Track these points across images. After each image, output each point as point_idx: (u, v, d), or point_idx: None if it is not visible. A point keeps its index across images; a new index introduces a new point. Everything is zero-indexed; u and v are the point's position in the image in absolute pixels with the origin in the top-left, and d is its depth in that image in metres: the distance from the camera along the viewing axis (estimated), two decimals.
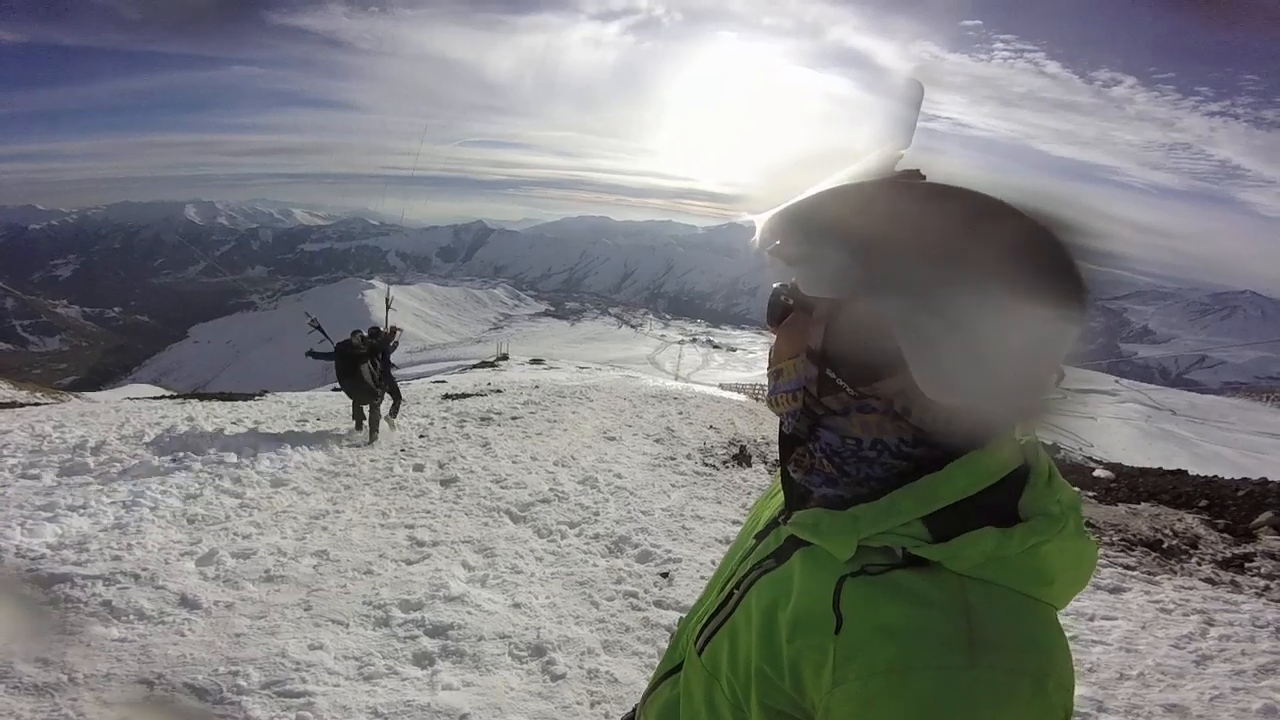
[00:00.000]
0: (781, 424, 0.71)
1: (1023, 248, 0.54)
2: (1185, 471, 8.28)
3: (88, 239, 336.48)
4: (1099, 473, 7.98)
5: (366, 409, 7.24)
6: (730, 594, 0.73)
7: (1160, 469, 8.76)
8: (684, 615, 0.98)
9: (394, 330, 7.93)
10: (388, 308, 8.79)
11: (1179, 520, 5.59)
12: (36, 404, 12.10)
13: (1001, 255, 0.53)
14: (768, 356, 0.73)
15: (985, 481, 0.58)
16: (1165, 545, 5.03)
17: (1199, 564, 4.75)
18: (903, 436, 0.61)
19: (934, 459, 0.61)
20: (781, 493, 0.78)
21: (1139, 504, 6.23)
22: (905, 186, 0.60)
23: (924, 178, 0.60)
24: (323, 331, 7.76)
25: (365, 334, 7.52)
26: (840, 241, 0.61)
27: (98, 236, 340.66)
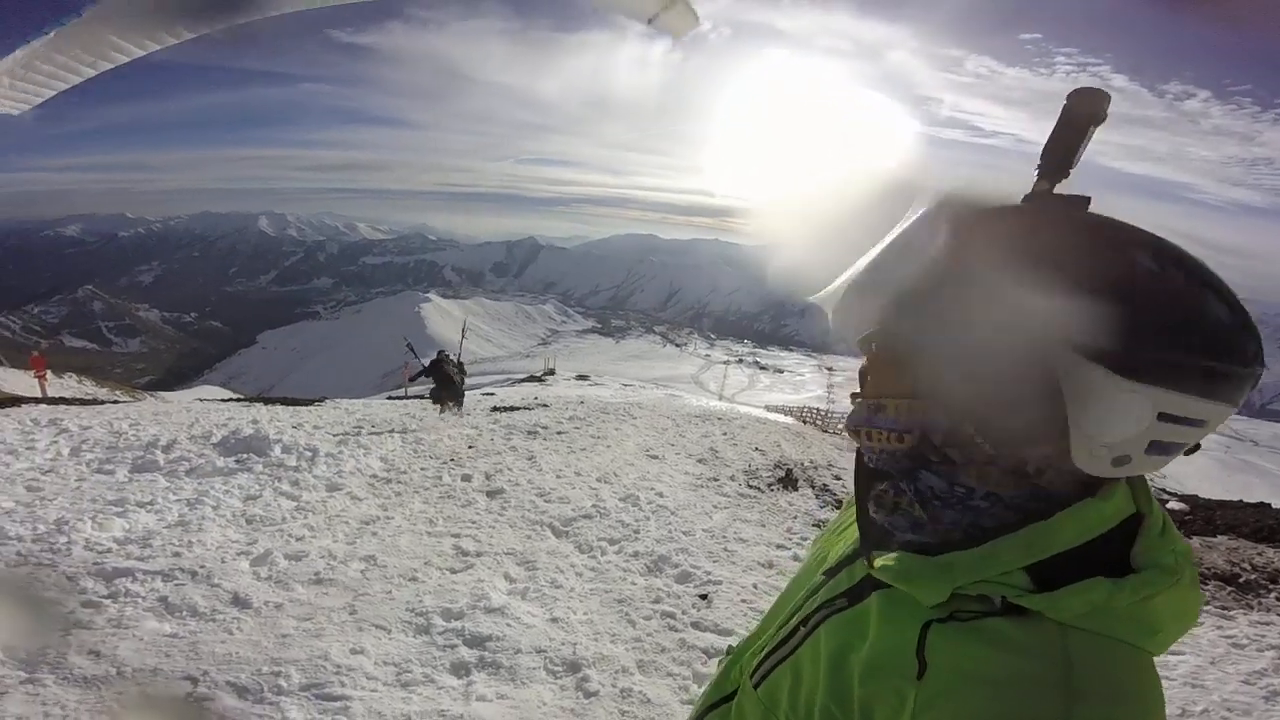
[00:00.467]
0: (864, 455, 0.68)
1: (1230, 329, 0.53)
2: (1268, 505, 7.74)
3: (170, 247, 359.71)
4: (1172, 505, 7.53)
5: (452, 404, 9.90)
6: (795, 629, 0.71)
7: (1240, 501, 8.21)
8: (734, 644, 0.96)
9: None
10: (463, 336, 11.56)
11: (1259, 554, 5.24)
12: (116, 402, 12.89)
13: (1215, 332, 0.52)
14: (859, 378, 0.68)
15: (1096, 532, 0.56)
16: (1242, 580, 4.73)
17: (1279, 599, 4.45)
18: (1020, 489, 0.59)
19: (1040, 511, 0.58)
20: (851, 527, 0.75)
21: (1215, 537, 5.85)
22: (1081, 221, 0.57)
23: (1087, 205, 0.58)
24: (414, 353, 10.79)
25: (452, 357, 10.17)
26: (975, 281, 0.54)
27: (179, 244, 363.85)
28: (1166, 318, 0.52)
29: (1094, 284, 0.51)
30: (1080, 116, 0.61)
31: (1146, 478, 0.62)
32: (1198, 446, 0.57)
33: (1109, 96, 0.61)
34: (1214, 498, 9.44)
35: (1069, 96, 0.61)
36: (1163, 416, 0.52)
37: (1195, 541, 5.66)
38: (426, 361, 9.86)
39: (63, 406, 9.54)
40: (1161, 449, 0.54)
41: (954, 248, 0.56)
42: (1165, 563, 0.55)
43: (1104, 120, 0.61)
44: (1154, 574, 0.54)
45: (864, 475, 0.69)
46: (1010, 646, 0.53)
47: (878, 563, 0.63)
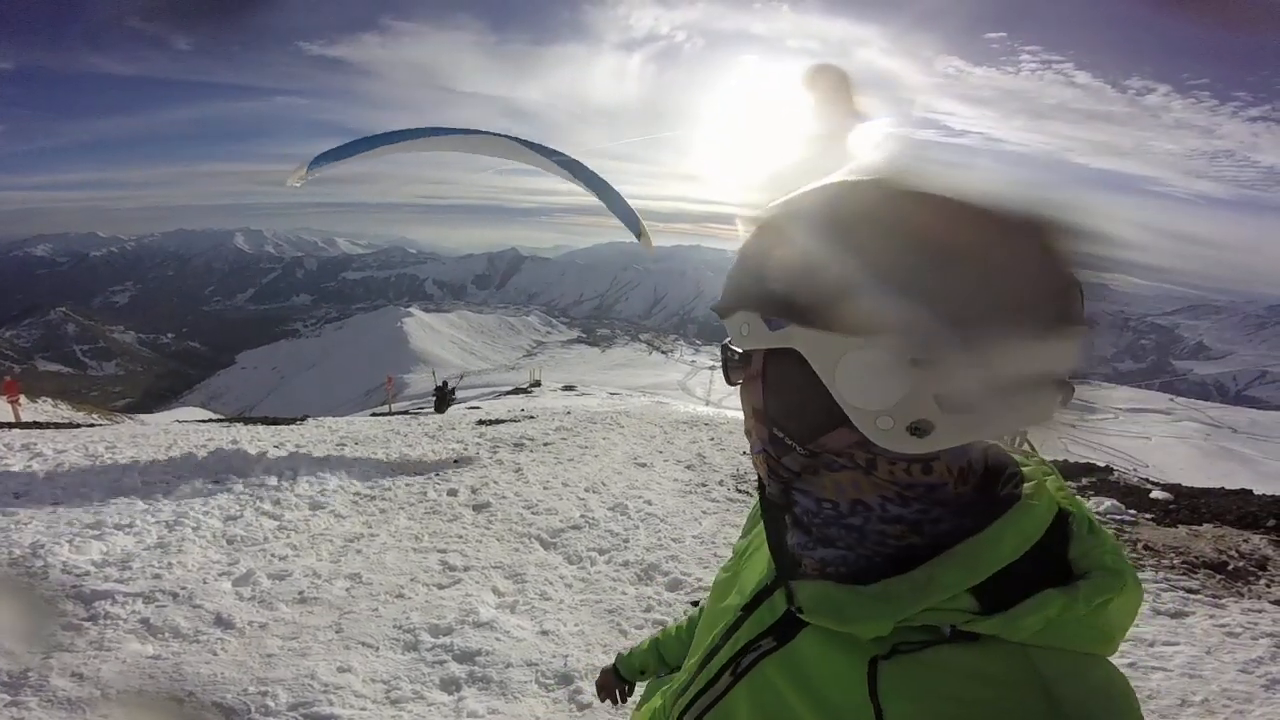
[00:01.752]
0: (766, 483, 0.65)
1: (952, 245, 0.48)
2: (1250, 491, 7.86)
3: (145, 266, 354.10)
4: (1156, 494, 7.62)
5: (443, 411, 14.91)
6: (719, 673, 0.66)
7: (1223, 488, 8.33)
8: (648, 682, 0.94)
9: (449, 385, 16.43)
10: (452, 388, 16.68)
11: (1245, 541, 5.30)
12: (93, 425, 12.63)
13: (920, 256, 0.48)
14: None
15: (1034, 539, 0.53)
16: (1231, 567, 4.77)
17: (1268, 585, 4.50)
18: (885, 494, 0.56)
19: (933, 518, 0.55)
20: (760, 550, 0.72)
21: (1200, 525, 5.92)
22: (813, 196, 0.55)
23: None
24: (440, 389, 16.22)
25: (447, 383, 16.51)
26: (742, 279, 0.57)
27: (154, 263, 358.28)
28: (862, 259, 0.49)
29: (795, 249, 0.53)
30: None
31: (1054, 465, 0.60)
32: (1069, 388, 0.50)
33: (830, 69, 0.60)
34: (1197, 485, 9.60)
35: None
36: (918, 362, 0.47)
37: (1182, 530, 5.73)
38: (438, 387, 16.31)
39: (36, 431, 9.32)
40: (961, 404, 0.48)
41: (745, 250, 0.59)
42: (1107, 564, 0.53)
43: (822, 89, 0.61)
44: (1102, 577, 0.52)
45: (767, 507, 0.66)
46: (976, 678, 0.49)
47: (803, 598, 0.58)
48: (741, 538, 0.84)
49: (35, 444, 7.24)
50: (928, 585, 0.52)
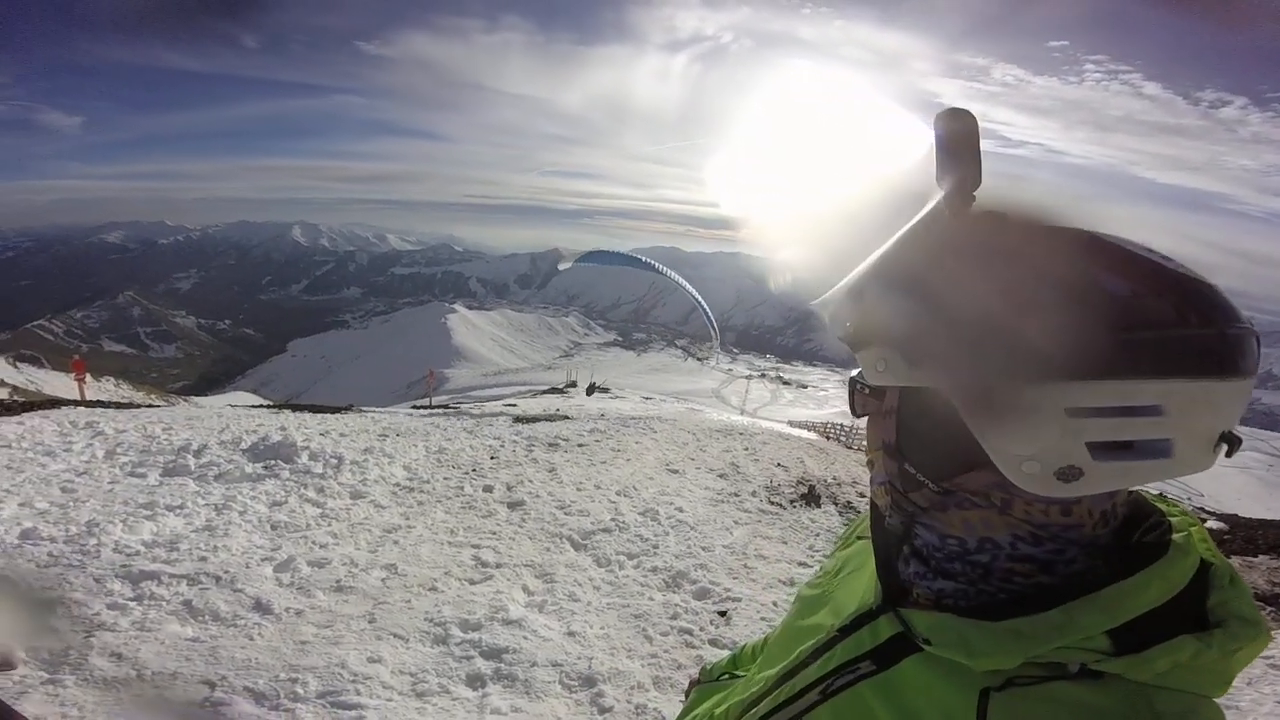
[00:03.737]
0: (885, 514, 0.65)
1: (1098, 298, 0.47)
2: None
3: (208, 255, 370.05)
4: (1211, 524, 7.28)
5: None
6: (804, 691, 0.66)
7: None
8: (700, 681, 0.91)
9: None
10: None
11: None
12: (151, 406, 13.23)
13: (1069, 311, 0.46)
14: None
15: (1179, 588, 0.52)
16: None
17: None
18: (1017, 533, 0.56)
19: (1067, 559, 0.55)
20: (859, 572, 0.72)
21: (1256, 557, 5.64)
22: (951, 237, 0.53)
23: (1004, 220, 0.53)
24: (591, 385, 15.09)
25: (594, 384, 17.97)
26: (882, 316, 0.56)
27: (216, 252, 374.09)
28: (1030, 303, 0.47)
29: (923, 294, 0.52)
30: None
31: (1203, 523, 0.58)
32: (1233, 439, 0.50)
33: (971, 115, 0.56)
34: (1255, 516, 9.13)
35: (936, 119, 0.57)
36: (1073, 412, 0.47)
37: (1235, 561, 5.47)
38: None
39: (99, 409, 9.82)
40: (1116, 451, 0.48)
41: (874, 280, 0.57)
42: (1245, 614, 0.52)
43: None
44: (1238, 626, 0.52)
45: (880, 530, 0.66)
46: (1093, 711, 0.50)
47: (925, 629, 0.58)
48: (832, 555, 0.83)
49: (98, 422, 7.63)
50: (1065, 626, 0.52)
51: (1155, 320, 0.46)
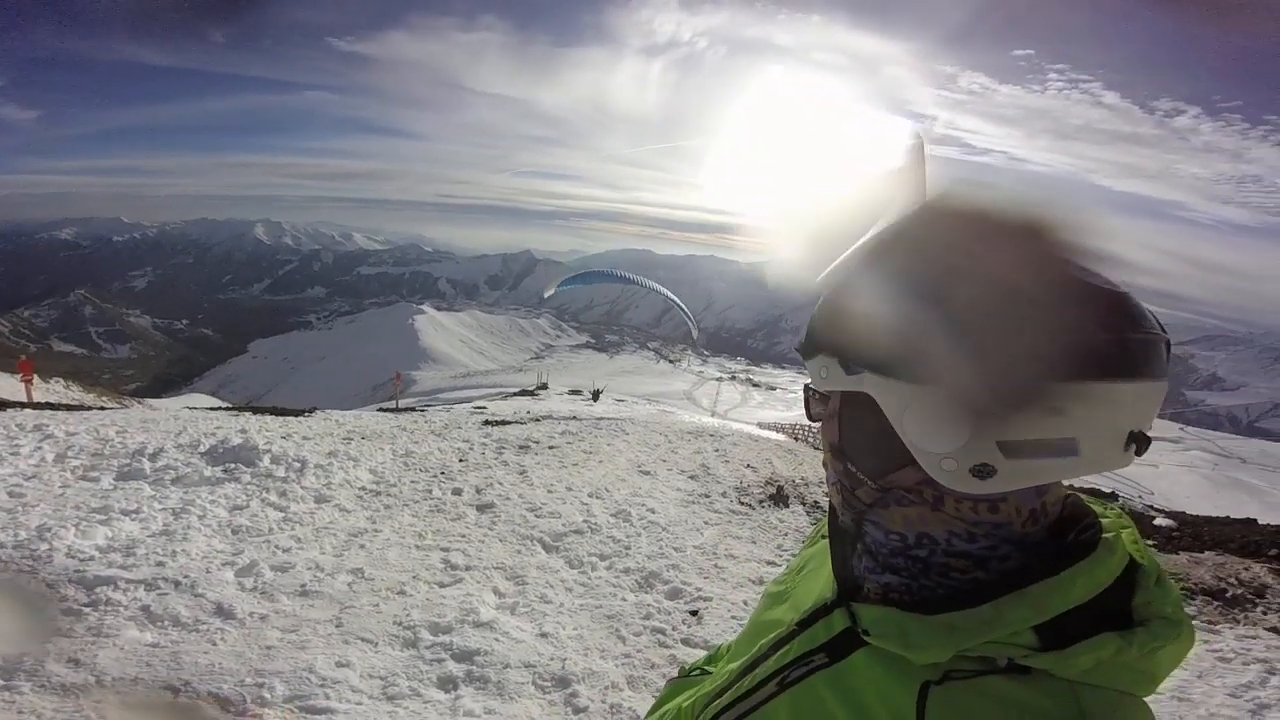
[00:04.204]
0: (839, 513, 0.68)
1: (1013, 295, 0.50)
2: (1255, 520, 7.83)
3: (165, 253, 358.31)
4: (1160, 521, 7.58)
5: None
6: (763, 682, 0.68)
7: (1227, 517, 8.30)
8: (676, 677, 0.94)
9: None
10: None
11: (1245, 569, 5.29)
12: (103, 408, 12.75)
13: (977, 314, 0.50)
14: None
15: (1104, 585, 0.55)
16: (1229, 594, 4.79)
17: (1265, 613, 4.51)
18: (952, 530, 0.59)
19: (1000, 555, 0.58)
20: (819, 570, 0.74)
21: (1202, 553, 5.91)
22: (875, 245, 0.57)
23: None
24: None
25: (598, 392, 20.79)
26: (820, 327, 0.61)
27: (174, 250, 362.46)
28: (937, 311, 0.51)
29: (844, 300, 0.58)
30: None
31: (1151, 520, 0.62)
32: (1142, 439, 0.53)
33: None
34: (1202, 514, 9.54)
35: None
36: (982, 413, 0.51)
37: (1183, 557, 5.71)
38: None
39: (49, 412, 9.42)
40: (1026, 449, 0.51)
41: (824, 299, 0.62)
42: (1168, 614, 0.55)
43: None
44: (1160, 626, 0.54)
45: (835, 528, 0.69)
46: (1021, 707, 0.51)
47: (868, 621, 0.61)
48: (798, 554, 0.86)
49: (47, 425, 7.32)
50: (994, 620, 0.54)
51: (1057, 326, 0.49)
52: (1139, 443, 0.53)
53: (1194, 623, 4.16)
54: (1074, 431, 0.51)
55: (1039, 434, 0.51)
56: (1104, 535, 0.58)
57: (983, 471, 0.52)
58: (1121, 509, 0.65)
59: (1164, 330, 0.53)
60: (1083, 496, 0.64)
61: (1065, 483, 0.60)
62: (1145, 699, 0.55)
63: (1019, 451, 0.51)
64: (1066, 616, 0.53)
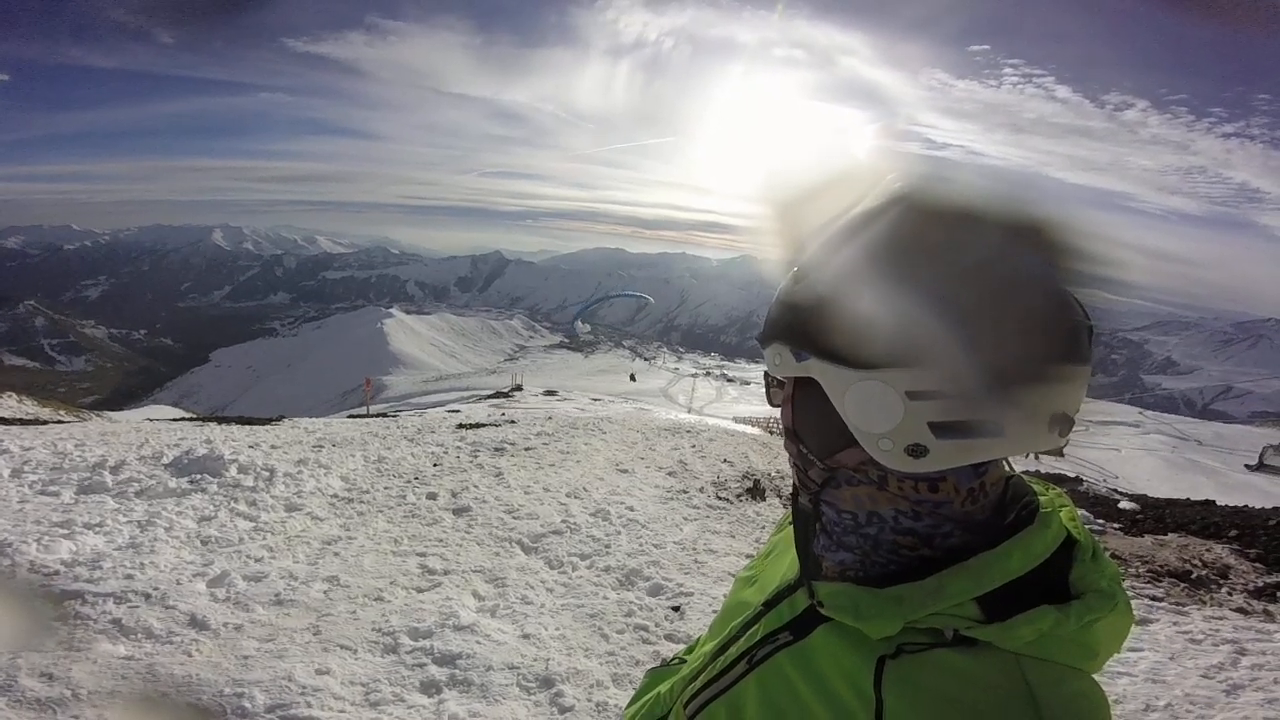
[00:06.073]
0: (800, 497, 0.71)
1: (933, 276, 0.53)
2: (1213, 502, 8.11)
3: (119, 260, 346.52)
4: (1124, 504, 7.82)
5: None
6: (734, 662, 0.71)
7: (1188, 499, 8.58)
8: (655, 667, 0.96)
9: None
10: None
11: (1208, 550, 5.47)
12: (60, 422, 12.31)
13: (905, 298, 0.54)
14: None
15: (1040, 559, 0.58)
16: (1194, 576, 4.93)
17: (1230, 594, 4.66)
18: (898, 508, 0.62)
19: (944, 533, 0.61)
20: (786, 554, 0.77)
21: (1166, 535, 6.10)
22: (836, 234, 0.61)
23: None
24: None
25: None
26: (772, 316, 0.65)
27: (128, 258, 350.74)
28: (868, 298, 0.55)
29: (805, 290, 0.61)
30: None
31: (1069, 497, 0.66)
32: (1064, 420, 0.56)
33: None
34: (1163, 496, 9.86)
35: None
36: (912, 395, 0.54)
37: (1148, 539, 5.90)
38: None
39: (2, 427, 9.07)
40: (954, 430, 0.55)
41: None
42: (1102, 587, 0.57)
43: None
44: (1094, 599, 0.56)
45: (796, 509, 0.72)
46: (970, 681, 0.54)
47: (823, 596, 0.63)
48: (767, 541, 0.89)
49: (1, 440, 7.05)
50: (938, 591, 0.57)
51: (983, 313, 0.53)
52: (1062, 425, 0.56)
53: (1162, 605, 4.33)
54: (997, 414, 0.54)
55: (965, 415, 0.54)
56: (1041, 511, 0.61)
57: (916, 451, 0.56)
58: (1087, 493, 0.69)
59: (1088, 316, 0.55)
60: (1025, 478, 0.67)
61: (1015, 465, 0.64)
62: (1094, 675, 0.57)
63: (949, 432, 0.54)
64: (1008, 590, 0.56)
